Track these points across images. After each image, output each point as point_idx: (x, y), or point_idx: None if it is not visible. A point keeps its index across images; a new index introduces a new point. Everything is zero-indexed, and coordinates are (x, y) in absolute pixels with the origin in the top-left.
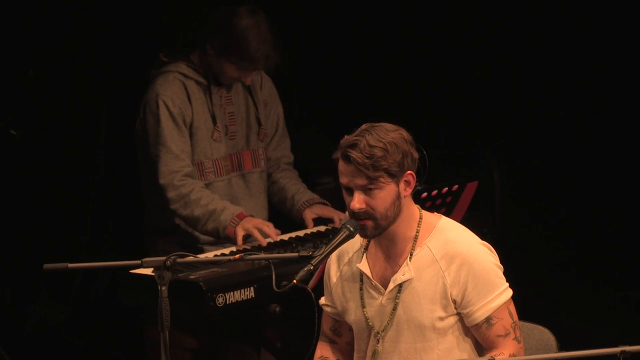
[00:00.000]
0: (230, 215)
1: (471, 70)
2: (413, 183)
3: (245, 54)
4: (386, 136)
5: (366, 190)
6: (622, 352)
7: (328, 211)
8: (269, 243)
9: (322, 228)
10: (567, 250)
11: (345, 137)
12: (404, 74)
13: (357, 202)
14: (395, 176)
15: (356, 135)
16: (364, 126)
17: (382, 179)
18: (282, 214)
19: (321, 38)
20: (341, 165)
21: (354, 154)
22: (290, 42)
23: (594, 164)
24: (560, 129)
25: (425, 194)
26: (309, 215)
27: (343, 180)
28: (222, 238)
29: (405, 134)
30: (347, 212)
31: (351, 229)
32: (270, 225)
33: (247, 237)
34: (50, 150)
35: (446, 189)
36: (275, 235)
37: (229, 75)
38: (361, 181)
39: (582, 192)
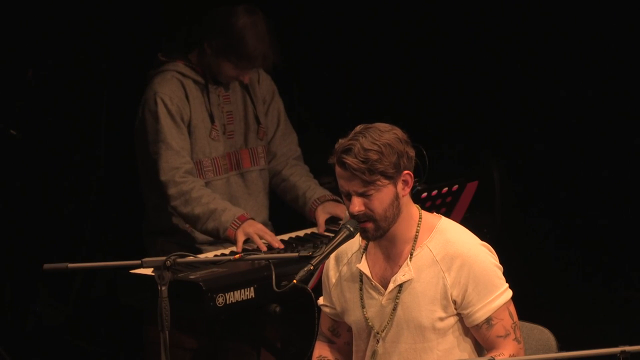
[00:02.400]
0: (232, 216)
1: (471, 70)
2: (411, 182)
3: (243, 52)
4: (380, 138)
5: (364, 194)
6: (622, 352)
7: (341, 209)
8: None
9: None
10: (567, 251)
11: (340, 141)
12: (404, 74)
13: (356, 205)
14: (392, 177)
15: (350, 139)
16: (357, 128)
17: (379, 182)
18: (282, 215)
19: (320, 37)
20: (337, 171)
21: (349, 159)
22: (289, 42)
23: (594, 164)
24: (560, 129)
25: (425, 194)
26: (322, 216)
27: (340, 184)
28: (221, 239)
29: (400, 133)
30: (347, 212)
31: (351, 229)
32: (273, 235)
33: (247, 240)
34: (50, 150)
35: (446, 189)
36: (276, 244)
37: (227, 74)
38: (358, 186)
39: (582, 192)
